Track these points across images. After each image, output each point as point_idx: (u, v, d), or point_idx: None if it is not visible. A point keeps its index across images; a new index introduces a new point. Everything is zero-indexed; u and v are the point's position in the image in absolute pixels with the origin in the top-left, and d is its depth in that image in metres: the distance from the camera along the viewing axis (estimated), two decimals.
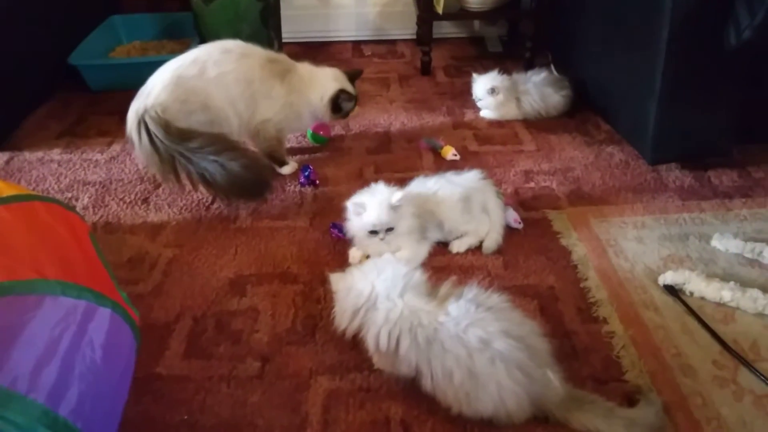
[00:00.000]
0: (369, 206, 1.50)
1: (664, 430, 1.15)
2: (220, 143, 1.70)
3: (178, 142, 1.67)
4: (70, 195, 1.91)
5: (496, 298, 1.19)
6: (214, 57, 1.80)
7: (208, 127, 1.77)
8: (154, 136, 1.68)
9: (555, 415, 1.14)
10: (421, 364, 1.15)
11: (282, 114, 1.90)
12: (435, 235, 1.62)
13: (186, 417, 1.21)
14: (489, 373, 1.10)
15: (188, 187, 1.76)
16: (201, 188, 1.76)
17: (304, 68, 1.97)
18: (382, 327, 1.17)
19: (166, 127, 1.67)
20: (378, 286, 1.21)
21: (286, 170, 1.98)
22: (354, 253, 1.59)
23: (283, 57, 1.95)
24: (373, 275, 1.23)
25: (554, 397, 1.13)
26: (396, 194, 1.50)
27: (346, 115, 2.02)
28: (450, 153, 2.05)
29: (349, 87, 1.99)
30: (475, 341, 1.11)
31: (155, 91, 1.72)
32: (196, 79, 1.76)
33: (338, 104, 1.96)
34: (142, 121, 1.69)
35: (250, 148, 1.90)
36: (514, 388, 1.10)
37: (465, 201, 1.60)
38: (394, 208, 1.50)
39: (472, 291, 1.19)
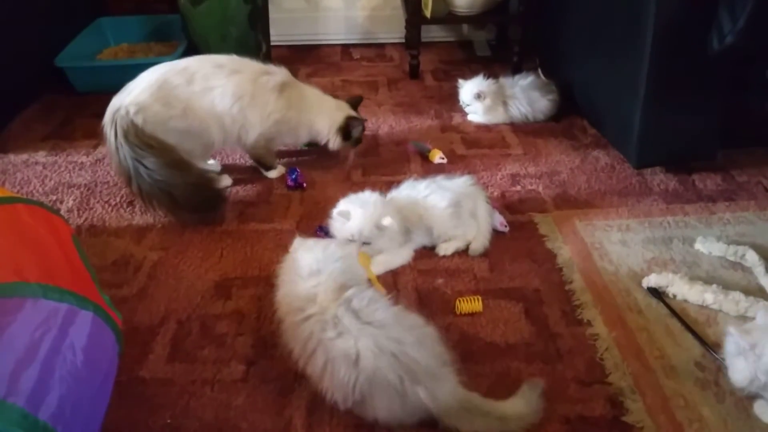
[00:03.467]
0: (354, 217, 1.51)
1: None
2: (172, 168, 1.68)
3: (134, 154, 1.66)
4: (54, 198, 1.90)
5: (382, 312, 1.16)
6: (205, 70, 1.78)
7: (185, 135, 1.76)
8: (117, 138, 1.67)
9: (444, 422, 1.14)
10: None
11: (275, 128, 1.88)
12: (422, 240, 1.63)
13: (169, 421, 1.21)
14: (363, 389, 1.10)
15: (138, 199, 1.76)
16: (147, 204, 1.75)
17: (308, 90, 1.95)
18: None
19: (127, 132, 1.66)
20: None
21: (273, 174, 1.98)
22: None
23: (280, 70, 1.90)
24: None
25: (437, 409, 1.11)
26: (387, 218, 1.50)
27: (357, 142, 2.00)
28: (437, 156, 2.06)
29: (353, 113, 1.98)
30: (343, 354, 1.10)
31: (137, 89, 1.72)
32: (182, 87, 1.75)
33: (348, 132, 1.95)
34: (114, 118, 1.68)
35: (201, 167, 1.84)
36: (387, 404, 1.10)
37: (455, 206, 1.61)
38: (379, 227, 1.50)
39: (363, 298, 1.17)
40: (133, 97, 1.70)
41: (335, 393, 1.13)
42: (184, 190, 1.69)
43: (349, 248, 1.33)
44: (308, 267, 1.24)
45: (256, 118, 1.83)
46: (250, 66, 1.86)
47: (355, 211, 1.51)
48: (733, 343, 1.15)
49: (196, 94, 1.76)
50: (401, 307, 1.22)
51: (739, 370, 1.14)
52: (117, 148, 1.68)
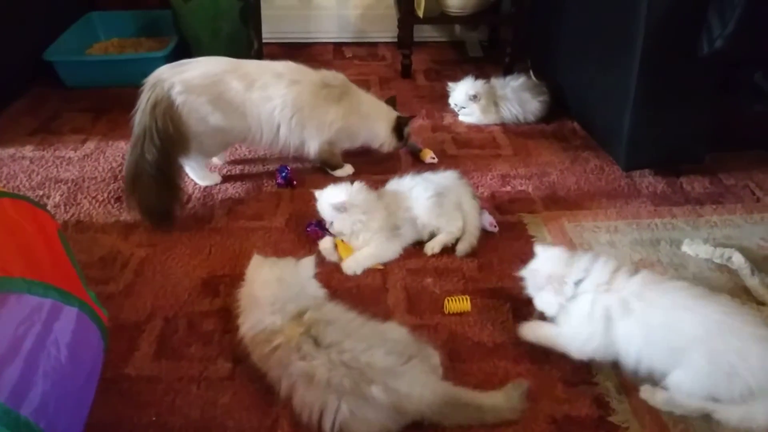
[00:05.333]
0: (320, 200, 1.61)
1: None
2: (160, 171, 1.66)
3: (148, 127, 1.64)
4: (41, 193, 1.88)
5: (335, 334, 1.18)
6: (264, 79, 1.78)
7: (217, 131, 1.76)
8: (147, 102, 1.65)
9: (427, 419, 1.16)
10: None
11: (336, 135, 1.89)
12: (410, 233, 1.64)
13: (155, 418, 1.20)
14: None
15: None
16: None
17: (363, 96, 1.96)
18: None
19: (158, 103, 1.64)
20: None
21: (340, 173, 1.98)
22: (324, 243, 1.63)
23: (338, 80, 1.90)
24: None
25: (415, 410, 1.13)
26: (338, 197, 1.57)
27: (405, 141, 2.03)
28: (428, 156, 2.06)
29: (399, 113, 2.01)
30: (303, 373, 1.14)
31: (192, 72, 1.70)
32: (238, 92, 1.74)
33: (401, 131, 1.96)
34: (155, 85, 1.66)
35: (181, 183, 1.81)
36: (359, 415, 1.11)
37: (438, 196, 1.63)
38: (336, 207, 1.56)
39: (320, 323, 1.21)
40: (185, 77, 1.68)
41: (302, 412, 1.15)
42: (150, 192, 1.67)
43: (303, 268, 1.36)
44: (268, 302, 1.25)
45: (314, 129, 1.84)
46: (309, 76, 1.86)
47: (321, 196, 1.61)
48: (530, 281, 1.34)
49: (250, 101, 1.75)
50: (360, 321, 1.25)
51: (546, 302, 1.30)
52: (141, 110, 1.67)
